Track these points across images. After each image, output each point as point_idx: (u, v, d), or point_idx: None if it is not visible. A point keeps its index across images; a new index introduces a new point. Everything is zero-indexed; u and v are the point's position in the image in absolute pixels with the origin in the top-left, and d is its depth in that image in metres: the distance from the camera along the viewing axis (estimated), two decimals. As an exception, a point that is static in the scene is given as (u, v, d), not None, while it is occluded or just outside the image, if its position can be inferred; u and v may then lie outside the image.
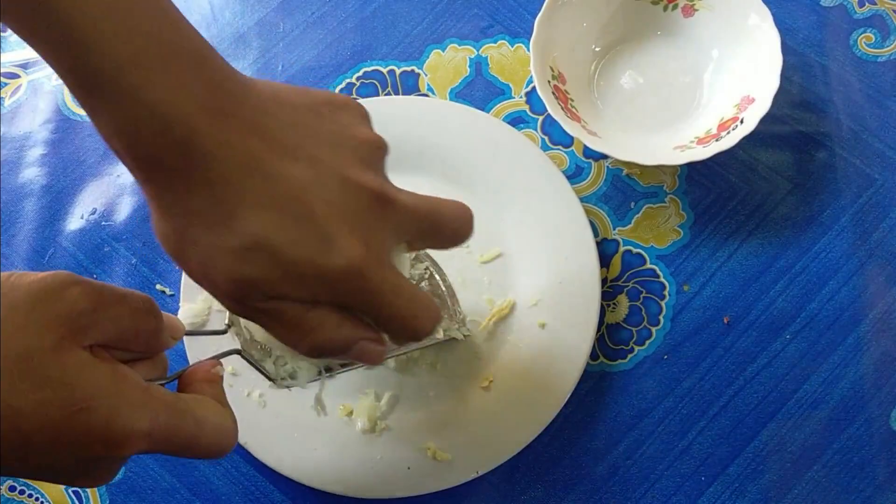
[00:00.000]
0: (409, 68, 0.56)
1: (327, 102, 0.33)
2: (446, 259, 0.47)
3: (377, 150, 0.33)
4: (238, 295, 0.30)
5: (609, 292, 0.50)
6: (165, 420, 0.30)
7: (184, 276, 0.50)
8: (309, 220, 0.29)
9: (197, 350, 0.48)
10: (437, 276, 0.45)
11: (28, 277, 0.28)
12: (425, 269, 0.45)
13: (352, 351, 0.32)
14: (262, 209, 0.28)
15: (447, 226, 0.34)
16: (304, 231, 0.29)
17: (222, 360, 0.37)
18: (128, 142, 0.28)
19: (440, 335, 0.46)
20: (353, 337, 0.32)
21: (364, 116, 0.34)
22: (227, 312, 0.38)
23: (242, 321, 0.38)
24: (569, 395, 0.46)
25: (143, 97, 0.27)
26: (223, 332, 0.38)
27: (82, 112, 0.57)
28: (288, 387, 0.39)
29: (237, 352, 0.37)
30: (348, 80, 0.56)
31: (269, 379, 0.38)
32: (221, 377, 0.36)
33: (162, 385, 0.33)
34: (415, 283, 0.44)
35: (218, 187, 0.28)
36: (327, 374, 0.40)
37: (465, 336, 0.48)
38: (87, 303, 0.28)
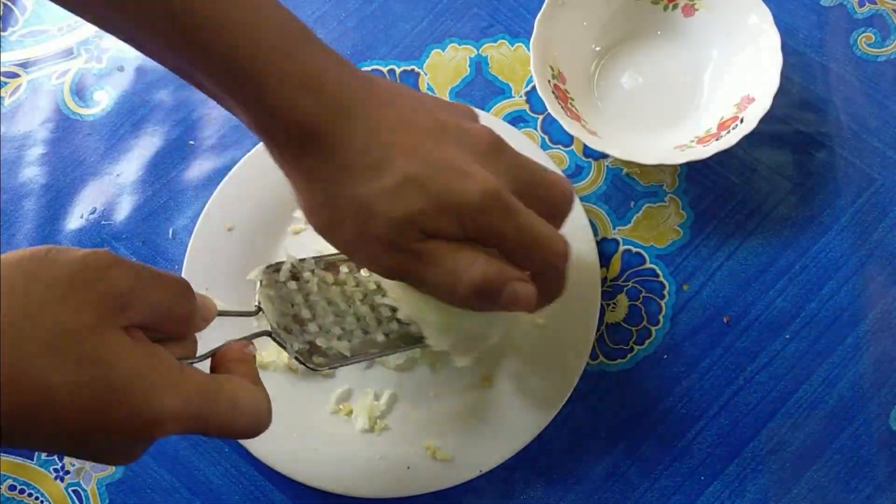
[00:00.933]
0: (409, 68, 0.56)
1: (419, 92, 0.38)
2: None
3: (475, 115, 0.38)
4: (397, 236, 0.33)
5: (608, 292, 0.50)
6: (199, 401, 0.30)
7: (184, 276, 0.50)
8: (444, 158, 0.33)
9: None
10: None
11: (68, 254, 0.28)
12: None
13: (504, 293, 0.34)
14: (404, 153, 0.33)
15: (553, 192, 0.37)
16: (443, 167, 0.33)
17: (254, 342, 0.37)
18: (287, 121, 0.32)
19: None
20: (505, 273, 0.34)
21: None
22: (257, 294, 0.38)
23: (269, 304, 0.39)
24: (569, 395, 0.46)
25: (290, 76, 0.32)
26: (254, 314, 0.38)
27: (82, 111, 0.57)
28: (316, 369, 0.39)
29: (267, 333, 0.37)
30: (348, 80, 0.56)
31: (299, 361, 0.38)
32: (254, 356, 0.36)
33: (194, 365, 0.33)
34: None
35: (363, 143, 0.32)
36: (356, 360, 0.40)
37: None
38: (127, 283, 0.29)
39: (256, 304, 0.38)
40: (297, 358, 0.38)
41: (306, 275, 0.41)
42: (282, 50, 0.32)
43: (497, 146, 0.35)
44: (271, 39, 0.32)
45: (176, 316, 0.32)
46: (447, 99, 0.38)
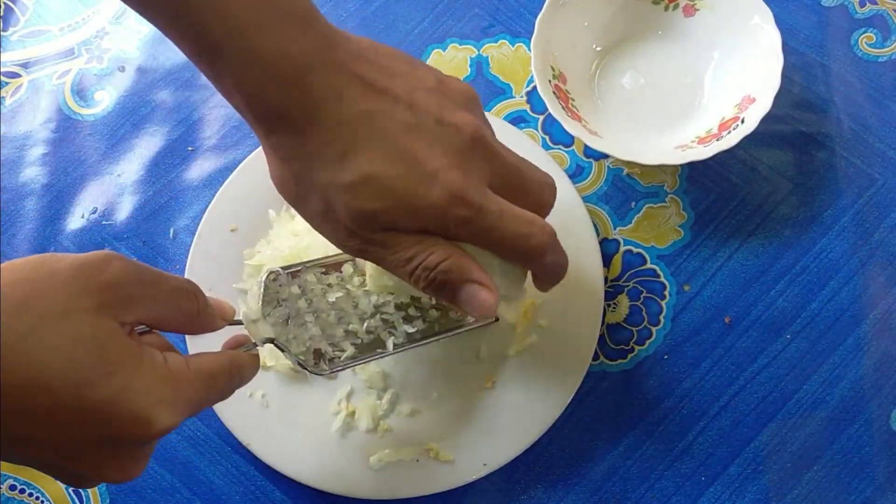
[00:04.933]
0: (409, 68, 0.56)
1: (416, 58, 0.36)
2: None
3: (471, 98, 0.36)
4: (356, 226, 0.33)
5: (610, 292, 0.50)
6: (185, 400, 0.31)
7: (186, 276, 0.50)
8: (411, 157, 0.32)
9: (205, 342, 0.48)
10: None
11: (70, 255, 0.29)
12: None
13: (462, 293, 0.34)
14: (369, 149, 0.32)
15: (532, 185, 0.36)
16: (407, 167, 0.32)
17: (258, 346, 0.37)
18: (250, 98, 0.31)
19: (471, 318, 0.45)
20: (463, 272, 0.34)
21: (449, 75, 0.37)
22: (257, 300, 0.39)
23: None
24: (572, 397, 0.46)
25: (262, 56, 0.30)
26: (256, 322, 0.38)
27: (83, 111, 0.57)
28: (318, 373, 0.39)
29: (270, 340, 0.37)
30: (349, 80, 0.56)
31: (301, 367, 0.39)
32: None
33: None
34: None
35: (331, 131, 0.32)
36: (358, 362, 0.40)
37: (495, 319, 0.48)
38: (127, 277, 0.30)
39: (257, 311, 0.38)
40: (299, 363, 0.38)
41: (308, 277, 0.41)
42: (254, 25, 0.30)
43: (477, 142, 0.34)
44: (246, 15, 0.30)
45: (182, 313, 0.33)
46: (453, 79, 0.36)
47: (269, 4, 0.31)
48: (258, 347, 0.37)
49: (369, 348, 0.41)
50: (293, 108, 0.31)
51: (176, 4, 0.30)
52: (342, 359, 0.40)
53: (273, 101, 0.31)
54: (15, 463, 0.31)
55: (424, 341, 0.43)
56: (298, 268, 0.41)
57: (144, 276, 0.31)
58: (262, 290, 0.38)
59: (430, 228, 0.33)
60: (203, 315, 0.34)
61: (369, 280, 0.40)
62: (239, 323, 0.37)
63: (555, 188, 0.38)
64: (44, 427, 0.28)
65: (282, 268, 0.40)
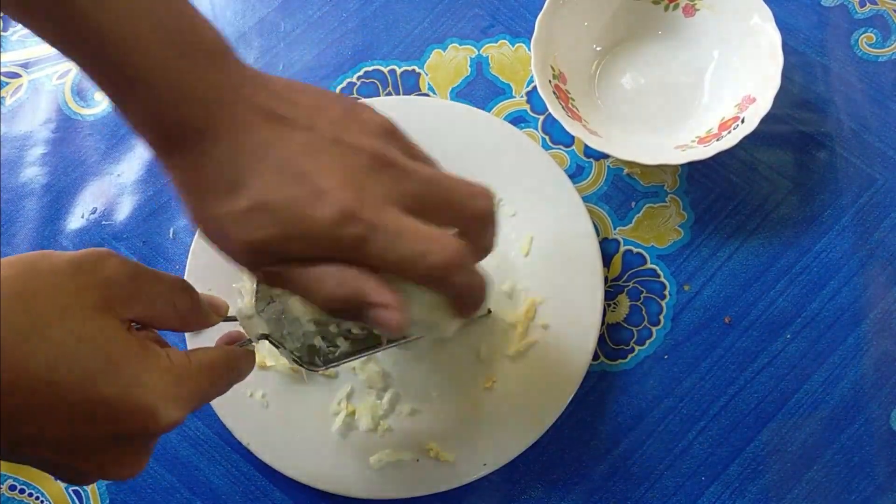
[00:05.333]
0: (409, 68, 0.56)
1: (337, 94, 0.35)
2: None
3: (384, 126, 0.34)
4: (251, 259, 0.32)
5: (610, 292, 0.50)
6: (189, 394, 0.31)
7: (186, 276, 0.50)
8: (302, 178, 0.31)
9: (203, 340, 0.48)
10: None
11: (66, 253, 0.29)
12: None
13: (366, 314, 0.32)
14: (262, 175, 0.31)
15: (458, 199, 0.33)
16: (298, 189, 0.31)
17: (254, 342, 0.37)
18: (153, 129, 0.31)
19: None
20: (357, 291, 0.32)
21: (370, 107, 0.35)
22: (250, 297, 0.38)
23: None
24: (572, 396, 0.46)
25: (165, 90, 0.30)
26: (250, 317, 0.38)
27: (83, 111, 0.57)
28: (314, 369, 0.39)
29: (265, 336, 0.37)
30: (349, 80, 0.56)
31: (297, 362, 0.39)
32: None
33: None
34: None
35: (227, 162, 0.31)
36: (353, 357, 0.40)
37: (488, 312, 0.47)
38: (124, 274, 0.30)
39: (251, 307, 0.38)
40: (294, 360, 0.38)
41: None
42: (172, 60, 0.30)
43: (377, 160, 0.32)
44: (162, 52, 0.30)
45: (178, 310, 0.33)
46: (367, 111, 0.35)
47: (183, 42, 0.31)
48: (253, 344, 0.37)
49: (363, 344, 0.41)
50: (188, 136, 0.31)
51: (92, 42, 0.30)
52: (336, 354, 0.40)
53: (166, 130, 0.31)
54: (18, 463, 0.31)
55: (419, 337, 0.42)
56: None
57: (140, 274, 0.31)
58: (255, 286, 0.38)
59: (324, 254, 0.31)
60: (198, 312, 0.34)
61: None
62: (233, 319, 0.38)
63: (488, 195, 0.34)
64: (50, 425, 0.28)
65: None
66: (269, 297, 0.38)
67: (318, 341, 0.39)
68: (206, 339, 0.46)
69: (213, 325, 0.36)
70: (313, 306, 0.38)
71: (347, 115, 0.33)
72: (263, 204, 0.31)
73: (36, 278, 0.28)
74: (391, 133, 0.34)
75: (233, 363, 0.35)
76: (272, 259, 0.32)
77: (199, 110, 0.31)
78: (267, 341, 0.38)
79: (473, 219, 0.34)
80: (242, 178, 0.31)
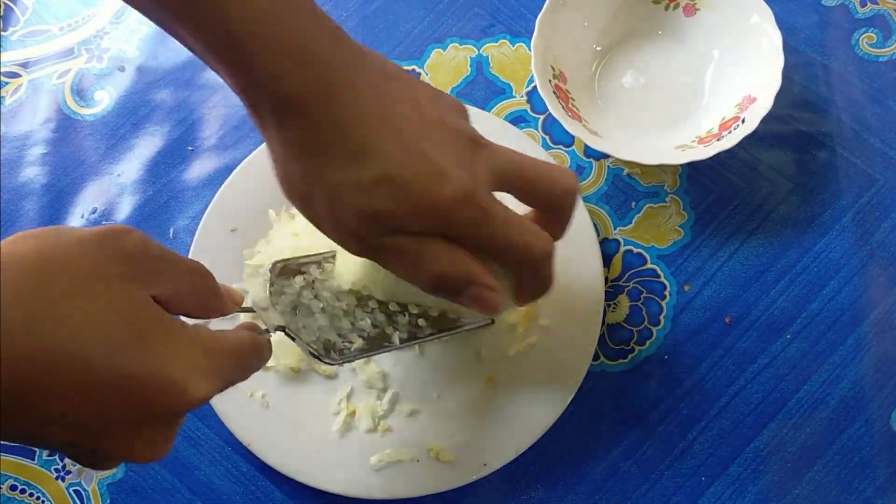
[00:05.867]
0: (410, 67, 0.56)
1: (414, 76, 0.37)
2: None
3: (462, 109, 0.37)
4: (363, 229, 0.33)
5: (610, 292, 0.50)
6: (217, 370, 0.31)
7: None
8: (424, 156, 0.32)
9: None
10: None
11: (87, 228, 0.29)
12: None
13: (467, 293, 0.34)
14: (387, 147, 0.32)
15: (546, 180, 0.35)
16: (422, 166, 0.32)
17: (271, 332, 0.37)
18: (274, 91, 0.31)
19: (466, 319, 0.45)
20: (468, 272, 0.34)
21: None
22: (265, 289, 0.39)
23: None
24: (572, 396, 0.46)
25: (282, 44, 0.30)
26: (265, 310, 0.39)
27: (83, 111, 0.57)
28: (331, 362, 0.39)
29: (281, 328, 0.37)
30: (349, 80, 0.56)
31: (313, 355, 0.38)
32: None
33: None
34: None
35: (353, 131, 0.31)
36: (367, 354, 0.40)
37: (491, 321, 0.48)
38: (147, 249, 0.29)
39: (266, 299, 0.38)
40: (311, 352, 0.38)
41: (312, 269, 0.41)
42: (272, 14, 0.30)
43: (475, 143, 0.34)
44: (263, 5, 0.30)
45: (198, 293, 0.33)
46: (441, 91, 0.37)
47: (302, 10, 0.31)
48: (270, 334, 0.37)
49: (375, 342, 0.41)
50: (311, 98, 0.31)
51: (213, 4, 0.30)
52: (352, 350, 0.40)
53: (291, 89, 0.31)
54: (40, 447, 0.30)
55: (430, 337, 0.43)
56: (304, 261, 0.41)
57: (161, 252, 0.30)
58: (269, 278, 0.38)
59: (435, 230, 0.33)
60: (215, 297, 0.34)
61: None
62: (249, 310, 0.37)
63: (571, 175, 0.36)
64: (76, 403, 0.26)
65: (288, 259, 0.40)
66: (281, 292, 0.39)
67: (333, 336, 0.40)
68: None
69: (228, 313, 0.35)
70: (344, 295, 0.39)
71: (438, 96, 0.35)
72: (389, 177, 0.31)
73: (61, 247, 0.27)
74: (466, 114, 0.37)
75: (257, 347, 0.34)
76: (383, 231, 0.32)
77: (318, 69, 0.31)
78: (283, 333, 0.38)
79: (562, 196, 0.36)
80: (366, 147, 0.31)
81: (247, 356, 0.34)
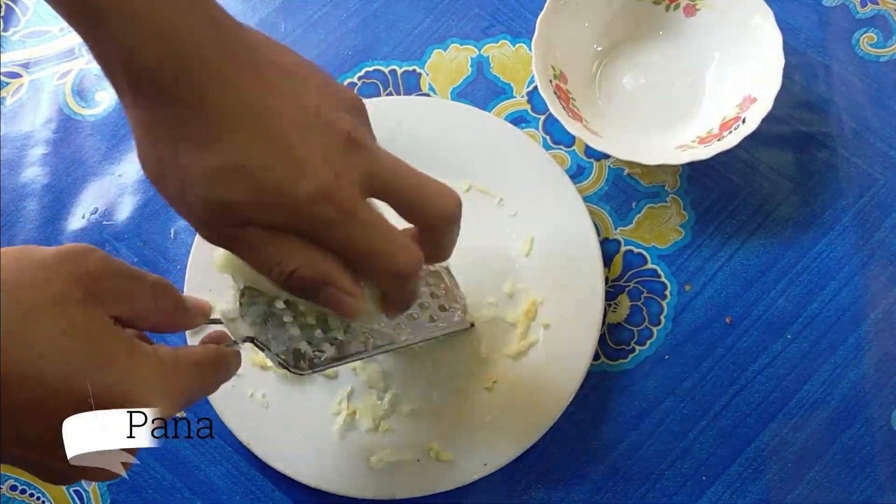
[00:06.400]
0: (410, 68, 0.56)
1: (312, 63, 0.34)
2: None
3: (356, 105, 0.34)
4: (211, 218, 0.31)
5: (610, 292, 0.50)
6: (178, 390, 0.31)
7: (188, 276, 0.50)
8: (284, 147, 0.30)
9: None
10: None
11: (50, 248, 0.29)
12: None
13: (322, 294, 0.32)
14: (244, 135, 0.30)
15: (424, 197, 0.33)
16: (279, 157, 0.30)
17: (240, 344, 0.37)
18: (129, 64, 0.29)
19: (443, 324, 0.45)
20: (323, 272, 0.32)
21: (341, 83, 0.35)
22: (234, 299, 0.38)
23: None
24: (573, 396, 0.46)
25: (147, 23, 0.28)
26: (233, 321, 0.38)
27: (84, 111, 0.57)
28: (300, 373, 0.39)
29: (251, 339, 0.37)
30: (350, 80, 0.56)
31: (282, 366, 0.38)
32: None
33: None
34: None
35: (209, 114, 0.29)
36: (343, 361, 0.40)
37: (470, 325, 0.47)
38: (108, 269, 0.30)
39: (235, 310, 0.38)
40: (280, 363, 0.38)
41: None
42: None
43: (352, 142, 0.32)
44: None
45: (163, 309, 0.33)
46: (341, 85, 0.35)
47: None
48: (238, 345, 0.37)
49: (348, 349, 0.41)
50: (174, 84, 0.29)
51: None
52: (322, 359, 0.40)
53: (152, 69, 0.29)
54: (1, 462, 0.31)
55: (405, 343, 0.42)
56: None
57: (122, 271, 0.31)
58: (240, 287, 0.38)
59: (290, 226, 0.31)
60: (180, 312, 0.34)
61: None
62: (217, 321, 0.37)
63: (455, 197, 0.34)
64: (36, 423, 0.27)
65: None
66: (252, 301, 0.38)
67: (303, 346, 0.39)
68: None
69: (196, 326, 0.36)
70: (282, 292, 0.37)
71: (328, 87, 0.33)
72: (239, 166, 0.29)
73: (22, 270, 0.28)
74: (362, 112, 0.34)
75: (220, 361, 0.34)
76: (232, 222, 0.31)
77: (183, 54, 0.29)
78: (252, 344, 0.37)
79: (437, 218, 0.34)
80: (225, 133, 0.29)
81: (209, 371, 0.33)
